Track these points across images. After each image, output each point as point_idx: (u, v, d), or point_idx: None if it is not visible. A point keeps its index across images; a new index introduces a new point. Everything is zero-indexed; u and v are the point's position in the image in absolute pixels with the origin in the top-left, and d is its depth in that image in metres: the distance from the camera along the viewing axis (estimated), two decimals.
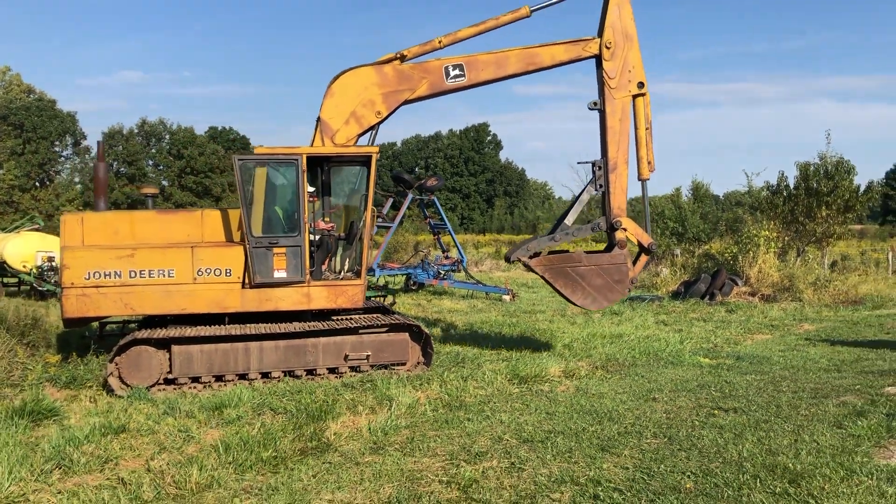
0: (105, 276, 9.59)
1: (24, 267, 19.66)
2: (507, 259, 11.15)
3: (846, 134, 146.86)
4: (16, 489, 5.69)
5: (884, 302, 18.82)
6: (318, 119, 10.11)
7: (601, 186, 10.73)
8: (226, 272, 9.76)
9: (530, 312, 17.45)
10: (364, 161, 10.34)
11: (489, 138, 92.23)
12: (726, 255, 22.41)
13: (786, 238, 23.20)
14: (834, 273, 22.63)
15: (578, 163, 21.64)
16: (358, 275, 10.24)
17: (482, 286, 21.51)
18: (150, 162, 77.33)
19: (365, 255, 10.28)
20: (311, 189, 10.38)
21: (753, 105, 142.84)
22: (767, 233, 21.27)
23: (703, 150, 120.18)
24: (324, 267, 10.37)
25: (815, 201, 22.98)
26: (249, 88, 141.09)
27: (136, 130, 77.58)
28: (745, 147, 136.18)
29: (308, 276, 9.88)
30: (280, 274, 9.78)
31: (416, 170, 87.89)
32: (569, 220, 10.96)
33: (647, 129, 10.70)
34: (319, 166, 10.82)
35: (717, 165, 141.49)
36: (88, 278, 9.56)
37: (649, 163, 10.79)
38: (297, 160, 9.74)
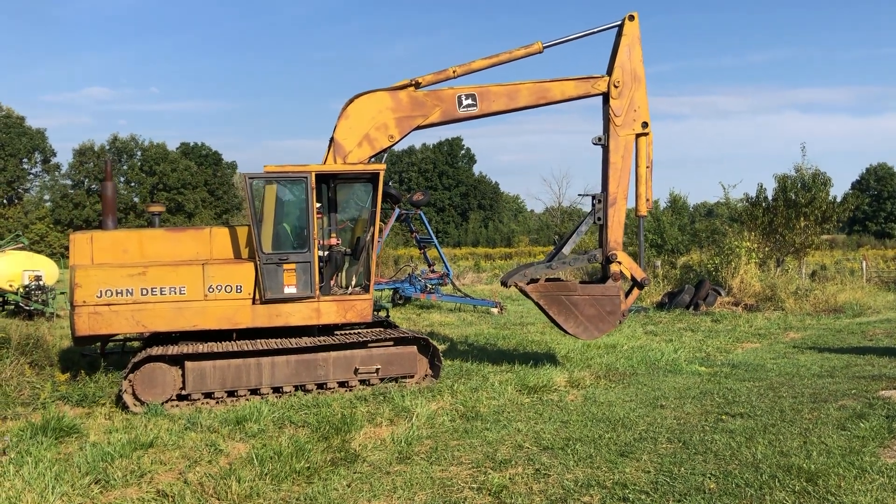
0: (117, 293, 9.68)
1: (11, 286, 19.50)
2: (504, 284, 11.27)
3: (813, 146, 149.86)
4: (61, 503, 5.80)
5: (863, 310, 19.40)
6: (332, 139, 10.32)
7: (599, 219, 10.93)
8: (236, 288, 9.90)
9: (521, 324, 17.71)
10: (371, 178, 10.54)
11: (462, 152, 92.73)
12: (708, 265, 22.92)
13: (766, 249, 23.77)
14: (813, 283, 23.23)
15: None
16: (366, 289, 10.44)
17: (470, 299, 21.75)
18: (122, 178, 76.63)
19: (373, 270, 10.48)
20: (318, 205, 10.54)
21: (720, 117, 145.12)
22: (749, 243, 21.81)
23: (670, 162, 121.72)
24: (332, 282, 10.54)
25: (793, 212, 23.63)
26: (217, 104, 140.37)
27: (107, 147, 76.92)
28: (714, 158, 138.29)
29: (318, 292, 10.06)
30: (290, 290, 9.94)
31: (391, 184, 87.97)
32: (566, 250, 11.18)
33: (647, 167, 10.93)
34: (326, 183, 11.00)
35: (685, 176, 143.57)
36: (100, 296, 9.65)
37: (647, 200, 11.06)
38: (306, 178, 9.93)
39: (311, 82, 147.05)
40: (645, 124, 10.84)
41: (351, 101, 10.41)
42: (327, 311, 10.15)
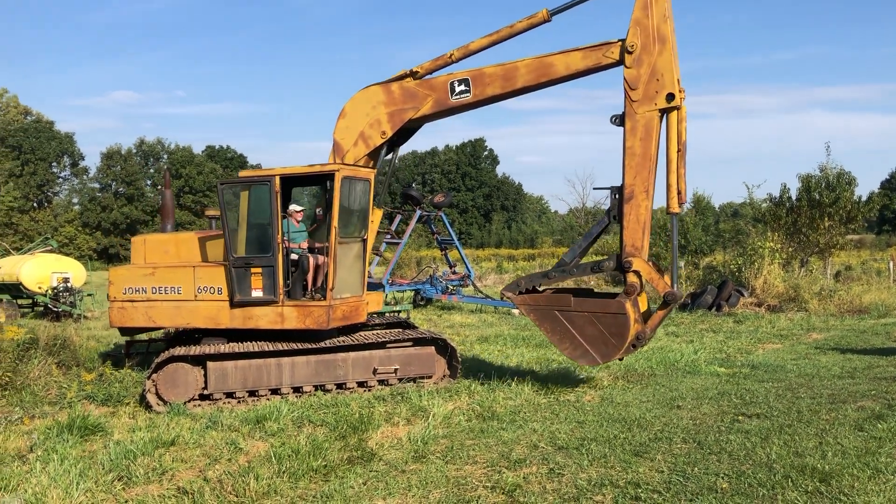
0: (135, 291, 10.60)
1: (40, 288, 19.93)
2: (501, 296, 10.66)
3: (841, 144, 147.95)
4: (84, 499, 5.97)
5: (888, 311, 19.18)
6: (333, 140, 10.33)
7: (616, 217, 9.21)
8: (218, 290, 10.27)
9: None
10: (328, 178, 10.02)
11: (485, 153, 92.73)
12: (731, 266, 22.78)
13: (789, 249, 23.59)
14: (838, 283, 22.99)
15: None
16: (324, 295, 10.06)
17: (491, 300, 21.80)
18: (149, 182, 77.61)
19: (331, 275, 9.95)
20: (301, 209, 10.62)
21: (747, 116, 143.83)
22: (772, 244, 21.65)
23: (696, 162, 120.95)
24: (314, 287, 10.36)
25: (817, 212, 23.42)
26: (242, 106, 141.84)
27: (134, 150, 77.91)
28: (740, 158, 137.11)
29: (281, 296, 9.96)
30: (257, 293, 10.04)
31: (414, 185, 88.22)
32: (568, 257, 9.64)
33: (678, 151, 8.85)
34: (323, 186, 11.01)
35: (712, 176, 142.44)
36: (125, 293, 10.61)
37: (680, 193, 8.94)
38: (269, 181, 9.89)
39: (335, 83, 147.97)
40: (671, 96, 8.75)
41: (351, 98, 10.31)
42: (290, 316, 10.04)
